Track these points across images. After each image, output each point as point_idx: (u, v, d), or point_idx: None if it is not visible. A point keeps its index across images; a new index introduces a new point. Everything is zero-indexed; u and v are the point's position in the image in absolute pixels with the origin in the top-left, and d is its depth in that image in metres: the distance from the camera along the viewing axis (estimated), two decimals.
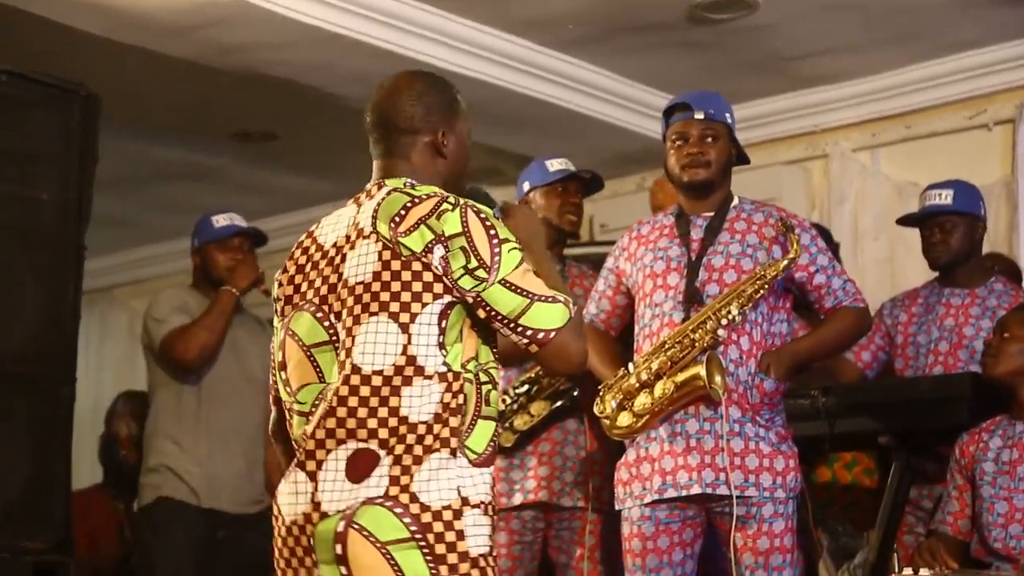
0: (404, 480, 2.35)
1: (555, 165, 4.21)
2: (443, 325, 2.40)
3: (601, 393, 3.56)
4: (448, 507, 2.35)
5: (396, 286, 2.40)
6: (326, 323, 2.48)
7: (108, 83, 4.41)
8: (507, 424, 4.06)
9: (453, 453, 2.38)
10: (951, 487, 3.83)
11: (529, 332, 2.42)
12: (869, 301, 3.80)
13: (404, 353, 2.39)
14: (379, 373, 2.39)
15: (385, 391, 2.39)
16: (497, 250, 2.42)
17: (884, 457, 4.42)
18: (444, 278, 2.40)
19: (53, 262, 4.10)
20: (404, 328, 2.39)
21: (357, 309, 2.42)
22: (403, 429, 2.38)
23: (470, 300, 2.42)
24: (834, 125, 6.02)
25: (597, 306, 3.84)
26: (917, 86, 5.74)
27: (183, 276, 5.40)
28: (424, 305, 2.40)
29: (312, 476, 2.42)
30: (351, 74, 5.29)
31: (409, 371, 2.39)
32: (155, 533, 4.52)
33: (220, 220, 4.71)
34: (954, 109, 5.73)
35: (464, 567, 2.34)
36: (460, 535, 2.35)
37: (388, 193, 2.50)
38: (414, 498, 2.35)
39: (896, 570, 3.38)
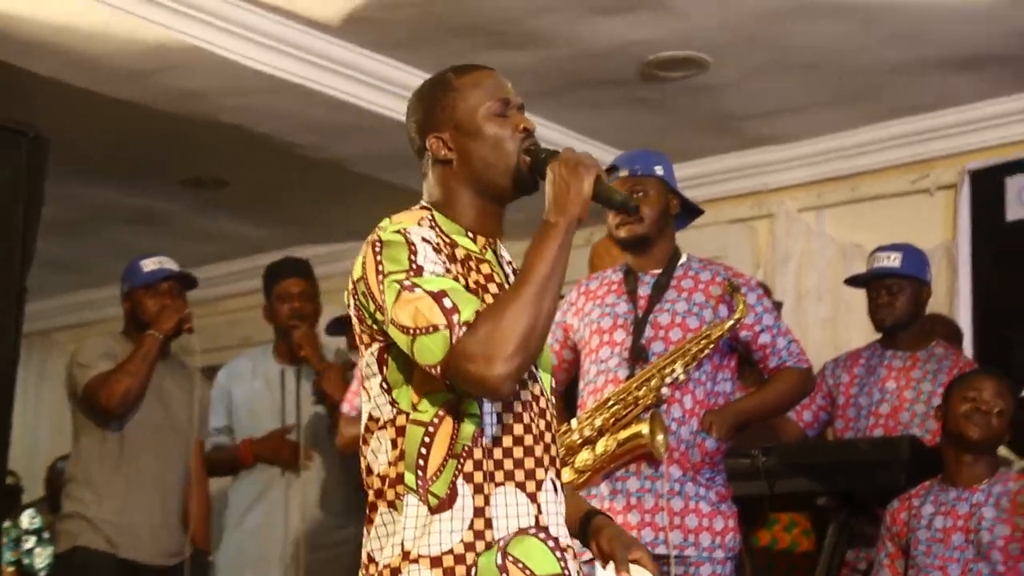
0: (369, 538, 2.25)
1: None
2: (384, 371, 2.23)
3: None
4: (387, 566, 2.19)
5: (356, 339, 2.31)
6: None
7: (58, 125, 4.39)
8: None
9: (392, 505, 2.20)
10: (882, 554, 3.85)
11: (427, 368, 2.15)
12: (812, 361, 3.84)
13: (369, 404, 2.26)
14: (365, 428, 2.30)
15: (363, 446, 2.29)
16: (382, 287, 2.18)
17: (822, 518, 4.45)
18: (364, 323, 2.24)
19: None
20: (364, 379, 2.28)
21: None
22: (369, 481, 2.26)
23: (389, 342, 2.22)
24: (781, 185, 6.08)
25: None
26: (863, 149, 5.82)
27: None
28: (366, 353, 2.27)
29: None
30: (305, 123, 5.30)
31: (371, 423, 2.26)
32: None
33: (149, 264, 4.64)
34: (898, 173, 5.80)
35: None
36: None
37: None
38: (370, 558, 2.23)
39: None
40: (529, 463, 2.24)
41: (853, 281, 4.64)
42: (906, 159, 5.75)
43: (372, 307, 2.20)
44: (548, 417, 2.31)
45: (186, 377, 4.69)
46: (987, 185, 5.51)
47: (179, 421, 4.58)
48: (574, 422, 3.55)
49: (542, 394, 2.31)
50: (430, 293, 2.14)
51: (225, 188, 6.48)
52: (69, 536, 4.48)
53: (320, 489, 4.89)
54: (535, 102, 5.46)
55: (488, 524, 2.18)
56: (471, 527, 2.18)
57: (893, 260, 4.43)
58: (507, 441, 2.23)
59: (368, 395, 2.26)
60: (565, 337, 3.80)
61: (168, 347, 4.63)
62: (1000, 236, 5.47)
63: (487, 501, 2.19)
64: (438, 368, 2.12)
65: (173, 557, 4.54)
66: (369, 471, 2.26)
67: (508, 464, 2.23)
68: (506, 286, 2.30)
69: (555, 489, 2.27)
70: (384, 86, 5.13)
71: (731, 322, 3.57)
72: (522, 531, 2.21)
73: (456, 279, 2.20)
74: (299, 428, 4.89)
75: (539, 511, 2.23)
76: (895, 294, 4.41)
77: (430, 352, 2.12)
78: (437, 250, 2.21)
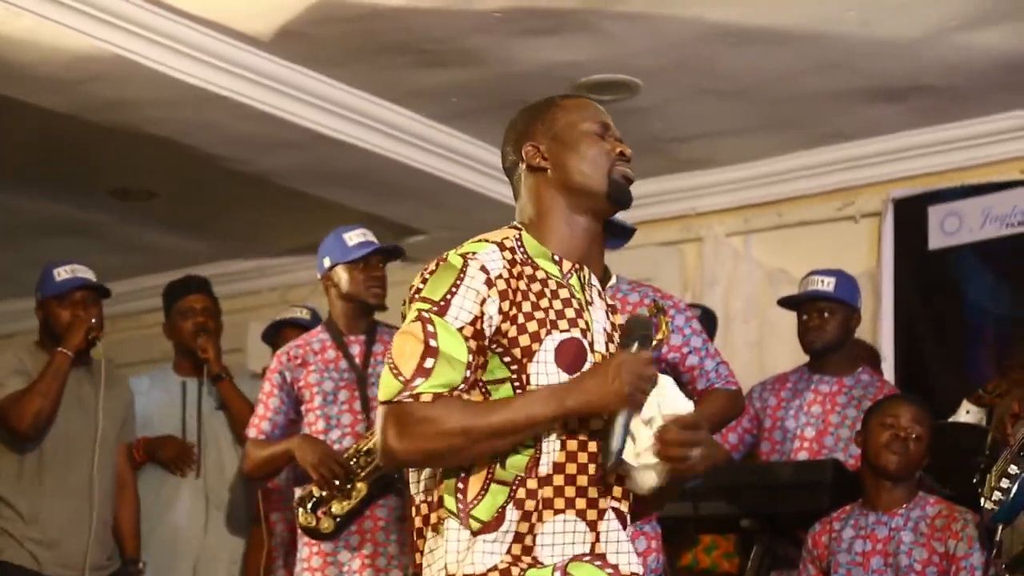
0: (424, 564, 2.24)
1: (354, 238, 4.18)
2: None
3: None
4: None
5: None
6: None
7: None
8: (327, 510, 4.00)
9: (436, 529, 2.20)
10: None
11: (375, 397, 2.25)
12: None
13: None
14: None
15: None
16: (411, 304, 2.22)
17: (745, 541, 4.47)
18: None
19: None
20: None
21: None
22: (413, 510, 2.27)
23: None
24: (709, 209, 6.12)
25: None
26: (789, 175, 5.87)
27: None
28: None
29: None
30: (233, 135, 5.26)
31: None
32: None
33: (62, 273, 4.56)
34: (824, 200, 5.86)
35: None
36: None
37: None
38: None
39: None
40: (593, 492, 2.22)
41: (786, 302, 4.68)
42: (832, 186, 5.82)
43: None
44: None
45: (110, 384, 4.62)
46: (910, 213, 5.59)
47: (104, 428, 4.50)
48: None
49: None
50: (428, 342, 2.15)
51: (153, 199, 6.41)
52: None
53: (219, 495, 4.87)
54: (465, 121, 5.47)
55: (527, 551, 2.17)
56: (509, 551, 2.17)
57: (827, 284, 4.48)
58: (571, 468, 2.21)
59: None
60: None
61: (87, 355, 4.55)
62: (923, 264, 5.54)
63: (531, 529, 2.17)
64: (379, 404, 2.16)
65: (101, 570, 4.48)
66: (411, 502, 2.27)
67: (570, 491, 2.20)
68: (585, 313, 2.29)
69: (619, 518, 2.25)
70: (314, 101, 5.11)
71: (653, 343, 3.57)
72: (577, 558, 2.18)
73: (507, 317, 2.19)
74: (199, 434, 4.86)
75: (597, 539, 2.21)
76: (826, 318, 4.45)
77: (384, 388, 2.16)
78: (490, 284, 2.19)
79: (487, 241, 2.26)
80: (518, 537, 2.16)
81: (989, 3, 4.42)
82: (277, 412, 4.13)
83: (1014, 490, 3.38)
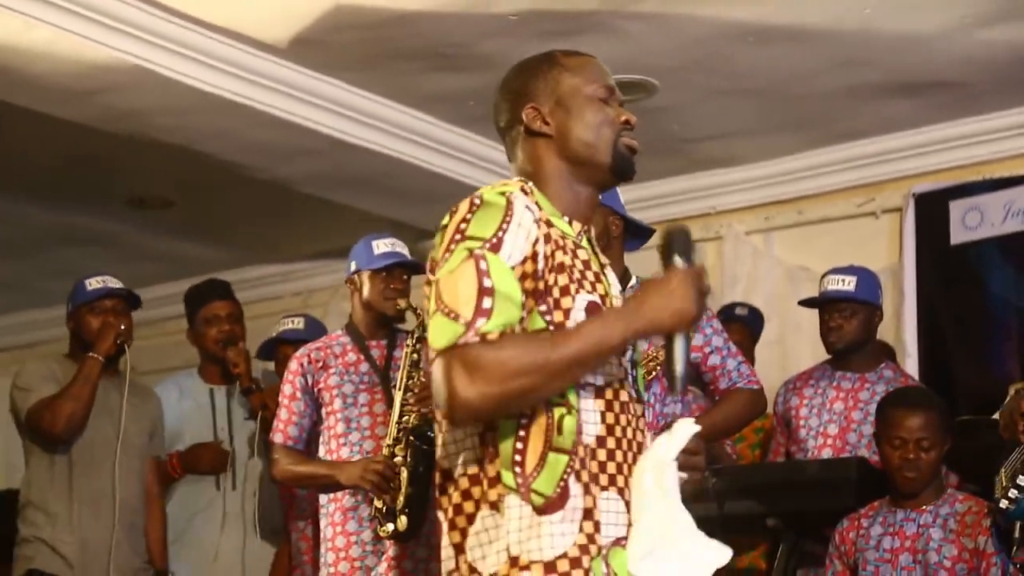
0: (464, 547, 2.05)
1: (382, 247, 4.16)
2: None
3: None
4: (494, 575, 2.01)
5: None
6: None
7: (1, 145, 4.34)
8: (390, 510, 3.93)
9: (495, 507, 2.01)
10: (830, 573, 3.86)
11: (428, 346, 2.00)
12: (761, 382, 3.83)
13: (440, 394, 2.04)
14: (436, 423, 2.11)
15: (437, 443, 2.11)
16: (452, 247, 2.05)
17: (773, 539, 4.45)
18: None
19: None
20: (430, 364, 2.07)
21: None
22: (450, 487, 2.08)
23: None
24: (728, 208, 6.11)
25: None
26: (809, 172, 5.86)
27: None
28: None
29: None
30: (248, 143, 5.26)
31: (443, 414, 2.06)
32: None
33: (93, 283, 4.59)
34: (844, 196, 5.84)
35: None
36: None
37: None
38: (472, 568, 2.04)
39: None
40: (627, 470, 2.09)
41: (807, 304, 4.65)
42: (852, 183, 5.80)
43: (435, 256, 2.07)
44: (643, 422, 2.18)
45: (136, 391, 4.63)
46: (932, 209, 5.56)
47: (130, 436, 4.52)
48: None
49: (638, 394, 2.19)
50: (482, 281, 1.99)
51: (171, 208, 6.43)
52: (25, 560, 4.42)
53: (255, 503, 4.86)
54: (482, 124, 5.46)
55: (597, 527, 2.02)
56: (581, 529, 2.01)
57: (848, 284, 4.44)
58: (611, 443, 2.09)
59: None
60: None
61: (116, 364, 4.57)
62: (945, 259, 5.52)
63: (595, 503, 2.03)
64: (434, 353, 1.98)
65: (135, 574, 4.49)
66: (448, 475, 2.08)
67: (611, 467, 2.08)
68: (604, 277, 2.18)
69: None
70: (331, 107, 5.11)
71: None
72: (617, 541, 2.06)
73: (549, 266, 2.04)
74: (232, 445, 4.84)
75: (630, 522, 2.08)
76: (848, 318, 4.42)
77: (439, 335, 1.97)
78: (538, 224, 2.05)
79: (510, 186, 2.13)
80: (587, 513, 2.02)
81: None
82: (303, 416, 4.12)
83: None
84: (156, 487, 4.72)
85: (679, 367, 2.11)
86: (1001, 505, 3.49)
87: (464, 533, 2.04)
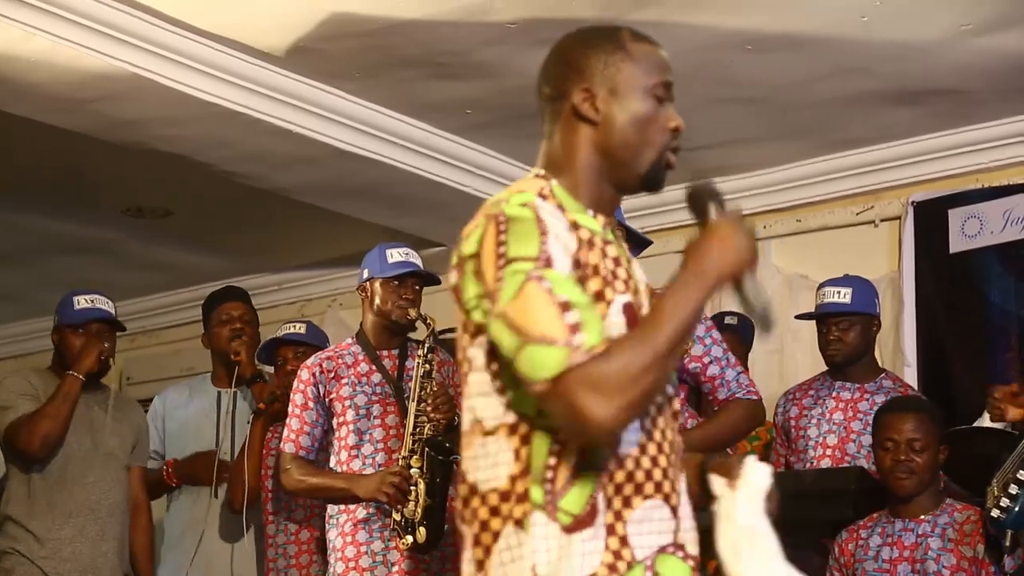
0: (486, 564, 1.98)
1: (395, 256, 4.16)
2: (493, 367, 1.97)
3: None
4: None
5: (458, 329, 2.03)
6: None
7: None
8: (410, 521, 3.90)
9: (520, 524, 1.94)
10: None
11: (525, 382, 1.89)
12: (760, 392, 3.82)
13: (470, 407, 1.99)
14: (465, 435, 2.03)
15: (464, 456, 2.04)
16: (501, 273, 1.92)
17: None
18: (463, 307, 2.00)
19: None
20: (464, 377, 2.01)
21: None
22: (475, 501, 2.01)
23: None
24: None
25: None
26: (808, 181, 5.84)
27: None
28: (471, 345, 2.01)
29: None
30: (247, 152, 5.25)
31: (476, 428, 1.99)
32: None
33: (81, 302, 4.59)
34: (843, 204, 5.83)
35: None
36: None
37: None
38: None
39: None
40: (671, 473, 2.05)
41: (802, 318, 4.65)
42: (851, 191, 5.79)
43: (477, 291, 1.96)
44: (677, 422, 2.13)
45: (120, 406, 4.62)
46: (931, 217, 5.56)
47: (111, 448, 4.52)
48: None
49: (673, 395, 2.13)
50: (557, 299, 1.90)
51: (168, 217, 6.42)
52: (4, 574, 4.40)
53: (251, 511, 4.84)
54: (480, 133, 5.46)
55: (624, 542, 1.97)
56: (607, 547, 1.95)
57: (843, 296, 4.43)
58: (652, 449, 2.03)
59: (466, 395, 2.03)
60: None
61: (98, 378, 4.56)
62: (944, 267, 5.51)
63: (619, 517, 1.97)
64: (543, 385, 1.87)
65: None
66: (473, 490, 2.02)
67: (657, 474, 2.02)
68: (634, 273, 2.12)
69: (691, 499, 2.10)
70: (329, 116, 5.10)
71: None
72: (662, 549, 2.01)
73: (583, 273, 1.97)
74: (232, 447, 4.83)
75: (678, 526, 2.04)
76: (845, 330, 4.42)
77: (542, 365, 1.86)
78: (568, 228, 1.99)
79: (528, 191, 2.04)
80: (610, 529, 1.96)
81: (1004, 6, 4.39)
82: (315, 426, 4.10)
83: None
84: (142, 497, 4.71)
85: (761, 305, 2.06)
86: (992, 514, 3.49)
87: (488, 551, 1.98)
